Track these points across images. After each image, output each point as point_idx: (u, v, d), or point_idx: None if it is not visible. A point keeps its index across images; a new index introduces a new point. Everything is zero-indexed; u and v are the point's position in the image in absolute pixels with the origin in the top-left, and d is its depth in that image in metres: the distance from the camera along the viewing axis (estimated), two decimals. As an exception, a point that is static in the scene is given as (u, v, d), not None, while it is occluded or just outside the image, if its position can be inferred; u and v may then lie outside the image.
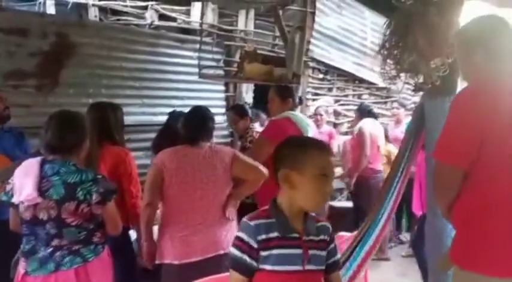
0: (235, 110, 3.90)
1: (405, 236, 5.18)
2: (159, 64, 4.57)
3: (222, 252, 2.22)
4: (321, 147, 1.37)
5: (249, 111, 3.96)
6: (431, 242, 2.28)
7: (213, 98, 4.95)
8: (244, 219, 1.35)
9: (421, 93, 2.52)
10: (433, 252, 2.26)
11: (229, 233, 2.27)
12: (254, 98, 5.42)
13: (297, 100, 3.12)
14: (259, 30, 5.43)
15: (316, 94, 6.21)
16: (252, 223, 1.31)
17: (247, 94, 5.36)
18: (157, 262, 2.25)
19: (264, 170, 2.37)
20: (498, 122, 1.44)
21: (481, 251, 1.48)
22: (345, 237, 2.66)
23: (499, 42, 1.57)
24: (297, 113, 3.09)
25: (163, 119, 3.54)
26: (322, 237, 1.39)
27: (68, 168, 1.83)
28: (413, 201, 3.39)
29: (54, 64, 3.78)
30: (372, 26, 6.73)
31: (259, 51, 3.99)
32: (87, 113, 2.53)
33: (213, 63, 4.68)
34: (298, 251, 1.31)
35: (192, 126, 2.38)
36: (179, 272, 2.13)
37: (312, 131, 3.03)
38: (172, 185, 2.23)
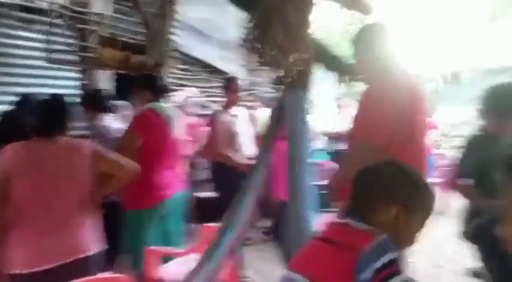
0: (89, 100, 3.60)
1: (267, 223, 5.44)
2: (-2, 46, 3.99)
3: (82, 255, 2.02)
4: (431, 187, 1.32)
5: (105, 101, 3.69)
6: (293, 226, 2.42)
7: (66, 86, 4.50)
8: None
9: (280, 87, 2.66)
10: (295, 236, 2.41)
11: (90, 234, 2.10)
12: (116, 87, 5.10)
13: (161, 90, 2.99)
14: (119, 15, 5.11)
15: (180, 85, 6.13)
16: None
17: (106, 83, 5.01)
18: (4, 273, 1.95)
19: (132, 166, 2.23)
20: (401, 107, 1.95)
21: None
22: (211, 228, 2.68)
23: (385, 44, 2.15)
24: (162, 104, 2.98)
25: (3, 108, 3.11)
26: None
27: None
28: (273, 189, 3.56)
29: None
30: (234, 19, 6.89)
31: (119, 38, 3.75)
32: None
33: (65, 48, 4.26)
34: None
35: (44, 116, 2.11)
36: (29, 282, 1.88)
37: (178, 123, 2.97)
38: (21, 186, 1.94)
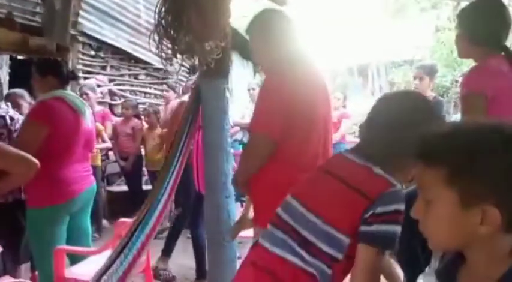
0: None
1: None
2: None
3: None
4: None
5: None
6: (210, 216, 2.40)
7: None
8: None
9: (195, 75, 2.60)
10: (212, 226, 2.39)
11: None
12: (11, 74, 4.64)
13: (67, 76, 2.74)
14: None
15: (88, 72, 5.76)
16: None
17: (1, 69, 4.54)
18: None
19: (34, 161, 2.03)
20: (299, 101, 1.78)
21: None
22: (125, 223, 2.57)
23: (283, 32, 1.95)
24: (70, 92, 2.73)
25: None
26: None
27: None
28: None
29: None
30: (145, 3, 6.61)
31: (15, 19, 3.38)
32: None
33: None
34: None
35: None
36: None
37: (88, 112, 2.76)
38: None
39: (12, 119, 2.71)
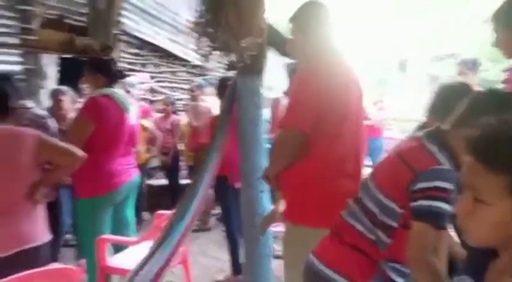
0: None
1: (218, 209, 5.44)
2: None
3: (26, 246, 1.93)
4: None
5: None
6: (246, 210, 2.44)
7: (6, 70, 4.24)
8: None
9: (233, 71, 2.64)
10: (247, 220, 2.44)
11: (35, 225, 2.00)
12: (60, 72, 4.87)
13: (116, 75, 2.85)
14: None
15: (130, 70, 5.95)
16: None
17: (50, 67, 4.77)
18: None
19: (80, 153, 2.13)
20: (332, 95, 1.78)
21: (314, 209, 1.79)
22: (164, 216, 2.66)
23: (322, 25, 1.93)
24: (117, 90, 2.86)
25: None
26: None
27: None
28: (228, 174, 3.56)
29: None
30: (185, 2, 6.74)
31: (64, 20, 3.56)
32: None
33: (5, 30, 4.01)
34: None
35: None
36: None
37: (133, 109, 2.88)
38: None
39: (43, 117, 2.87)
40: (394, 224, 1.33)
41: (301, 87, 1.83)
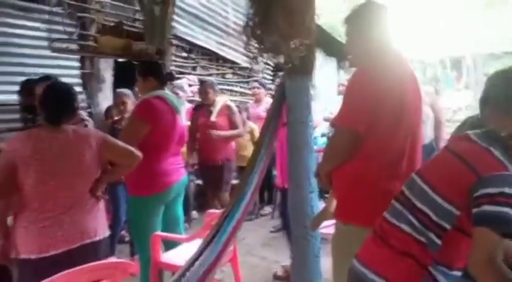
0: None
1: (266, 209, 5.47)
2: (-2, 35, 3.99)
3: (88, 241, 2.06)
4: None
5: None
6: (294, 211, 2.45)
7: (66, 75, 4.49)
8: None
9: (280, 73, 2.66)
10: (296, 220, 2.44)
11: (96, 221, 2.12)
12: (115, 76, 5.10)
13: (166, 77, 2.96)
14: (118, 3, 5.09)
15: (181, 73, 6.12)
16: None
17: (106, 71, 5.01)
18: (12, 257, 1.99)
19: (138, 154, 2.25)
20: (388, 96, 1.74)
21: (365, 209, 1.76)
22: (214, 214, 2.71)
23: (378, 24, 1.91)
24: (168, 92, 2.96)
25: (5, 98, 3.11)
26: None
27: None
28: (277, 175, 3.59)
29: None
30: (233, 5, 6.86)
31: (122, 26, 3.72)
32: None
33: (65, 36, 4.25)
34: None
35: (51, 105, 2.07)
36: (36, 268, 1.91)
37: (184, 111, 2.97)
38: (29, 175, 1.95)
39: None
40: (448, 226, 1.29)
41: (357, 87, 1.81)
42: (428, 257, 1.31)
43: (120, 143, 2.24)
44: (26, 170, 1.95)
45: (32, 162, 1.95)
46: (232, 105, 4.38)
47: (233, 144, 4.59)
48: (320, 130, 5.37)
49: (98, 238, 2.11)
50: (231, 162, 4.38)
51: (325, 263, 2.38)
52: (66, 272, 1.71)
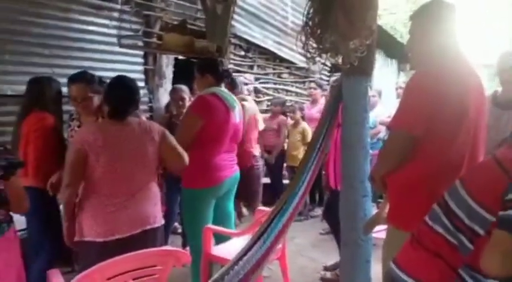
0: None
1: (316, 211, 5.44)
2: (71, 31, 4.26)
3: (148, 227, 2.18)
4: None
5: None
6: (346, 213, 2.41)
7: (130, 70, 4.72)
8: None
9: (337, 74, 2.62)
10: (347, 223, 2.40)
11: (155, 208, 2.25)
12: (174, 72, 5.28)
13: (222, 75, 3.01)
14: (181, 2, 5.26)
15: (238, 71, 6.21)
16: None
17: (167, 68, 5.20)
18: (76, 240, 2.13)
19: (186, 159, 2.33)
20: (449, 99, 1.68)
21: (416, 213, 1.66)
22: (264, 212, 2.74)
23: (446, 26, 1.83)
24: (223, 89, 3.02)
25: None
26: None
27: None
28: (329, 176, 3.55)
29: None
30: (293, 5, 6.85)
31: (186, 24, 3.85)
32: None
33: (132, 33, 4.46)
34: None
35: (117, 98, 2.20)
36: (101, 250, 2.03)
37: (238, 108, 3.02)
38: (99, 164, 2.09)
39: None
40: (481, 231, 1.25)
41: (415, 90, 1.76)
42: (458, 260, 1.29)
43: (175, 143, 2.33)
44: (96, 160, 2.08)
45: (102, 152, 2.08)
46: (245, 104, 4.26)
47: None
48: (382, 135, 5.24)
49: (156, 225, 2.23)
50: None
51: (376, 269, 2.33)
52: (126, 255, 1.81)
